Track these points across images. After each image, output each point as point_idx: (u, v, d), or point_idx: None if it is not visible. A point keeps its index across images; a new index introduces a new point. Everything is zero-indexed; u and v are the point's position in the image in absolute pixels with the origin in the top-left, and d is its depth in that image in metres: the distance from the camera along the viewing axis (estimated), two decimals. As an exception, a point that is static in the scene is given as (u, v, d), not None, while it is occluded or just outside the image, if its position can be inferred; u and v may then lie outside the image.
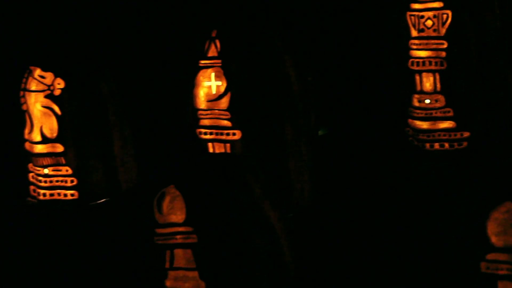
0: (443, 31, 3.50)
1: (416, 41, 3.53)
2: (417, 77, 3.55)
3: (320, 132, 3.99)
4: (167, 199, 2.83)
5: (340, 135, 4.06)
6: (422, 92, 3.54)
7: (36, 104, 3.75)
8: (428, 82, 3.54)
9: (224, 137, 3.59)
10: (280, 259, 2.82)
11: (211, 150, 3.60)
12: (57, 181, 3.81)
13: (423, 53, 3.52)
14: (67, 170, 3.79)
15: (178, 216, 2.81)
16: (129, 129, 3.92)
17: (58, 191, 3.82)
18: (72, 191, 3.80)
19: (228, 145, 3.59)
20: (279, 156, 3.53)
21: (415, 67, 3.54)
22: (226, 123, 3.57)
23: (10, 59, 4.11)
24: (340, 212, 3.58)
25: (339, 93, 4.13)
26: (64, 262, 3.45)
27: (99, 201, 3.81)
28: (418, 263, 3.10)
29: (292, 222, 2.93)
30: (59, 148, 3.78)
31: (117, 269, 3.23)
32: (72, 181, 3.80)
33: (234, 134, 3.56)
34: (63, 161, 3.78)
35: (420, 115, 3.58)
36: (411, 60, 3.55)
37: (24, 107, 3.78)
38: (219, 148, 3.60)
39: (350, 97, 4.09)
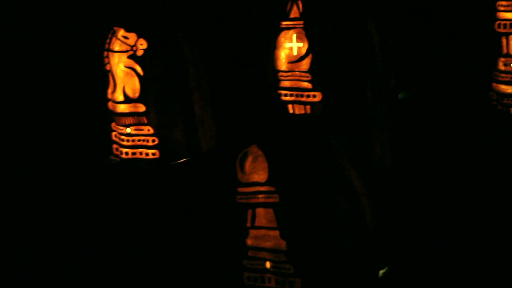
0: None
1: (504, 3, 3.44)
2: (504, 40, 3.47)
3: (400, 96, 3.95)
4: (249, 159, 2.84)
5: (421, 99, 4.01)
6: (508, 55, 3.47)
7: (119, 64, 3.81)
8: (514, 45, 3.46)
9: (304, 99, 3.59)
10: (362, 221, 2.82)
11: (291, 112, 3.61)
12: (139, 140, 3.88)
13: (510, 15, 3.44)
14: (148, 130, 3.85)
15: (261, 176, 2.82)
16: (209, 90, 3.95)
17: (140, 150, 3.88)
18: (153, 150, 3.86)
19: (308, 107, 3.59)
20: (359, 119, 3.51)
21: (501, 30, 3.46)
22: (307, 85, 3.57)
23: (95, 20, 4.18)
24: (420, 176, 3.55)
25: (421, 56, 4.08)
26: (145, 220, 3.52)
27: (179, 161, 3.87)
28: (498, 228, 3.06)
29: (374, 184, 2.91)
30: (141, 108, 3.83)
31: (198, 228, 3.28)
32: (153, 141, 3.86)
33: (314, 96, 3.56)
34: (145, 121, 3.84)
35: (505, 79, 3.51)
36: (497, 22, 3.47)
37: (107, 67, 3.84)
38: (299, 110, 3.60)
39: (433, 60, 4.03)
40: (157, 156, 3.86)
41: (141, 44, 3.76)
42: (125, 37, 3.79)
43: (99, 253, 3.32)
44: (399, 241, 3.12)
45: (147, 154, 3.88)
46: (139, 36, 3.77)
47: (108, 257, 3.28)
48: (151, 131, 3.84)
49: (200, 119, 3.91)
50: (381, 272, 2.90)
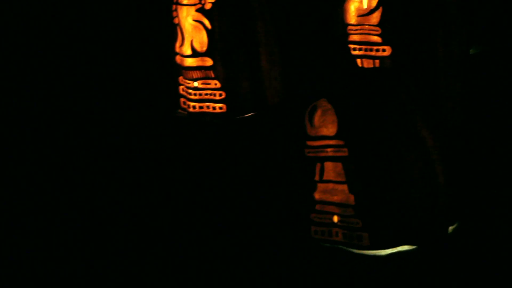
0: None
1: None
2: None
3: (472, 51, 3.87)
4: (318, 112, 2.83)
5: (492, 55, 3.93)
6: None
7: (187, 18, 3.80)
8: None
9: (373, 53, 3.54)
10: (432, 176, 2.78)
11: (360, 66, 3.56)
12: (206, 94, 3.89)
13: None
14: (215, 84, 3.86)
15: (330, 129, 2.81)
16: (277, 44, 3.93)
17: (207, 104, 3.90)
18: (220, 104, 3.87)
19: (377, 61, 3.54)
20: (430, 74, 3.45)
21: None
22: (376, 38, 3.51)
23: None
24: (491, 132, 3.49)
25: (493, 12, 3.98)
26: (212, 174, 3.53)
27: (246, 115, 3.87)
28: None
29: (444, 139, 2.87)
30: (209, 62, 3.84)
31: (266, 181, 3.29)
32: (220, 95, 3.87)
33: (384, 50, 3.51)
34: (212, 75, 3.85)
35: None
36: None
37: (176, 21, 3.85)
38: (367, 64, 3.56)
39: (505, 16, 3.93)
40: (224, 110, 3.87)
41: (209, -3, 3.75)
42: (193, -10, 3.78)
43: (167, 206, 3.35)
44: (469, 197, 3.07)
45: (214, 108, 3.89)
46: (207, -11, 3.76)
47: (177, 212, 3.31)
48: (218, 85, 3.85)
49: (267, 73, 3.89)
50: (451, 228, 2.87)
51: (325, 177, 2.84)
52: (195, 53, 3.84)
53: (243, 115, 3.86)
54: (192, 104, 3.92)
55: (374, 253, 2.79)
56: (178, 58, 3.90)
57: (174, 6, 3.83)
